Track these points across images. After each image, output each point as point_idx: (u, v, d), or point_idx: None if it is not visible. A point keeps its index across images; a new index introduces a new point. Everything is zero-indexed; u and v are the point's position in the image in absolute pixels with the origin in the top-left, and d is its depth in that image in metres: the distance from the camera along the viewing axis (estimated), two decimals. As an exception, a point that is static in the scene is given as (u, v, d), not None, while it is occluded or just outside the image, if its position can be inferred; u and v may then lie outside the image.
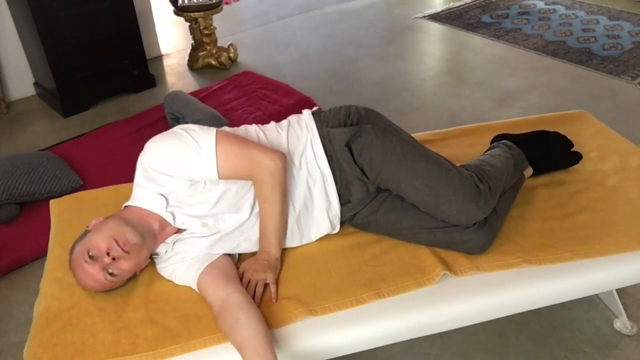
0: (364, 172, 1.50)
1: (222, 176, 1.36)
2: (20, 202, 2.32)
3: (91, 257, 1.29)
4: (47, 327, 1.31)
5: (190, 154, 1.33)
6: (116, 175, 2.38)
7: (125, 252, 1.31)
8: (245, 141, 1.40)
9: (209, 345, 1.26)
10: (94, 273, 1.30)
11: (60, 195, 2.18)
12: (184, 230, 1.42)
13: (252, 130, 1.52)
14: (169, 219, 1.39)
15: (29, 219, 2.32)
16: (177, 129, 1.38)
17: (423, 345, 1.78)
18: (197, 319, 1.32)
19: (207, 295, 1.33)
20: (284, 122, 1.58)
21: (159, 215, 1.39)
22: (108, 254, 1.29)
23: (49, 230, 1.65)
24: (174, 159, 1.33)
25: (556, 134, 1.83)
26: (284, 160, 1.39)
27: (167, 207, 1.38)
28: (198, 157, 1.33)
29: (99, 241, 1.30)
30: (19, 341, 1.88)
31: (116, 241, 1.30)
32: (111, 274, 1.31)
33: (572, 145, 1.81)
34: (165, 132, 1.40)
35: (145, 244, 1.35)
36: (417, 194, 1.46)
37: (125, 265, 1.32)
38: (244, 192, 1.42)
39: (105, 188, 1.81)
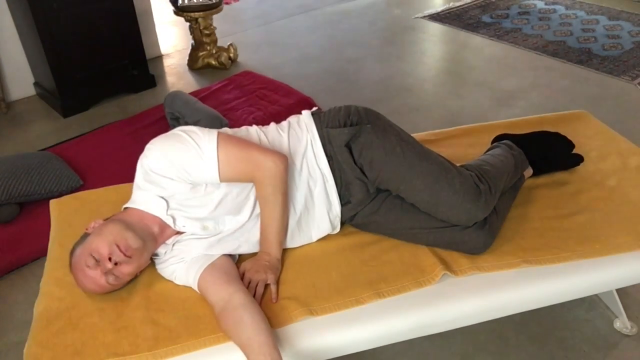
0: (363, 173, 1.50)
1: (223, 179, 1.35)
2: (20, 202, 2.32)
3: (93, 262, 1.29)
4: (47, 327, 1.31)
5: (191, 156, 1.33)
6: (116, 175, 2.38)
7: (127, 257, 1.30)
8: (246, 143, 1.39)
9: (209, 345, 1.26)
10: (95, 277, 1.30)
11: (60, 195, 2.18)
12: (184, 231, 1.42)
13: (253, 131, 1.52)
14: (169, 222, 1.38)
15: (29, 219, 2.32)
16: (178, 130, 1.38)
17: (423, 345, 1.78)
18: (197, 319, 1.32)
19: (209, 295, 1.33)
20: (284, 123, 1.58)
21: (159, 218, 1.38)
22: (110, 259, 1.29)
23: (49, 230, 1.65)
24: (175, 161, 1.33)
25: (557, 134, 1.83)
26: (286, 162, 1.38)
27: (167, 210, 1.38)
28: (199, 160, 1.33)
29: (100, 246, 1.29)
30: (19, 341, 1.88)
31: (117, 246, 1.29)
32: (113, 278, 1.30)
33: (573, 146, 1.81)
34: (165, 134, 1.39)
35: (146, 248, 1.35)
36: (417, 194, 1.46)
37: (126, 269, 1.32)
38: (245, 195, 1.42)
39: (105, 188, 1.81)
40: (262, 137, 1.50)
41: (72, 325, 1.31)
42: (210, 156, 1.33)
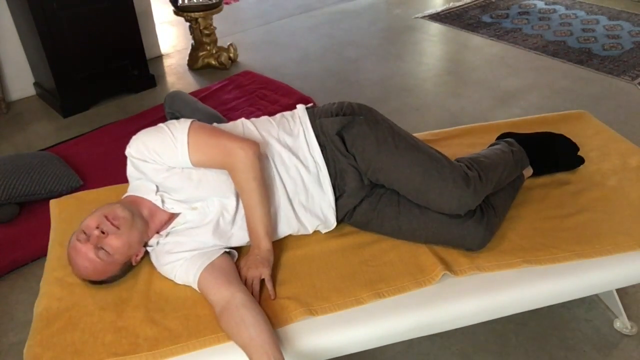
0: (356, 161, 1.51)
1: (195, 164, 1.41)
2: (20, 202, 2.32)
3: (84, 236, 1.34)
4: (47, 327, 1.31)
5: (164, 142, 1.40)
6: (116, 175, 2.37)
7: (115, 226, 1.35)
8: (218, 131, 1.44)
9: (209, 345, 1.26)
10: (86, 252, 1.33)
11: (60, 195, 2.18)
12: (177, 216, 1.45)
13: (238, 123, 1.56)
14: (158, 202, 1.44)
15: (29, 219, 2.32)
16: (160, 124, 1.45)
17: (423, 345, 1.79)
18: (197, 319, 1.32)
19: (209, 294, 1.33)
20: (277, 115, 1.63)
21: (150, 201, 1.44)
22: (98, 227, 1.34)
23: (49, 230, 1.66)
24: (149, 145, 1.40)
25: (562, 136, 1.82)
26: (255, 149, 1.41)
27: (156, 192, 1.44)
28: (172, 145, 1.39)
29: (90, 220, 1.36)
30: (19, 341, 1.88)
31: (106, 217, 1.36)
32: (102, 251, 1.33)
33: (577, 149, 1.81)
34: (149, 127, 1.47)
35: (135, 223, 1.38)
36: (408, 183, 1.48)
37: (115, 242, 1.35)
38: (227, 176, 1.45)
39: (105, 188, 1.81)
40: (249, 126, 1.54)
41: (72, 325, 1.31)
42: (181, 141, 1.39)
